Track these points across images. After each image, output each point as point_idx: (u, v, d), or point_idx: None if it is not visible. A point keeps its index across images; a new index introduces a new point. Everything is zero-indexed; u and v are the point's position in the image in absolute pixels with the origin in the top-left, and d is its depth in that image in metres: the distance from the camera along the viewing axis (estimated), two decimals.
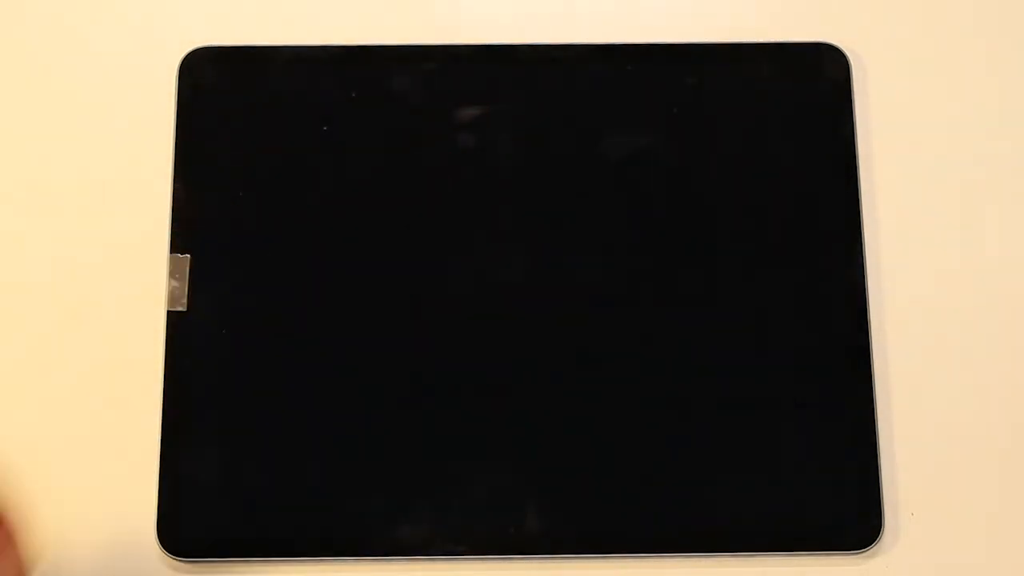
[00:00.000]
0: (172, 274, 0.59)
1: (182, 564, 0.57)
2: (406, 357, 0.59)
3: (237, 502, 0.57)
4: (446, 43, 0.62)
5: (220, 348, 0.59)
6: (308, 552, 0.57)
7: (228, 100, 0.61)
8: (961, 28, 0.63)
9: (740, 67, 0.62)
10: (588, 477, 0.58)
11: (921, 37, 0.63)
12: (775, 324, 0.59)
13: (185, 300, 0.59)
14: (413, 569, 0.57)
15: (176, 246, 0.60)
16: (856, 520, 0.57)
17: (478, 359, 0.59)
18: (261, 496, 0.57)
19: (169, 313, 0.59)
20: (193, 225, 0.60)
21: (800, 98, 0.61)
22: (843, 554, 0.57)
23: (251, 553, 0.57)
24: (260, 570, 0.57)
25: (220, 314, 0.59)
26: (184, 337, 0.59)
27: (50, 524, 0.55)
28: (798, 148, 0.61)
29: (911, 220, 0.61)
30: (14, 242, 0.60)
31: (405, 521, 0.57)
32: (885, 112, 0.62)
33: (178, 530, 0.57)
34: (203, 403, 0.58)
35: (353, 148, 0.61)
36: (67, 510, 0.57)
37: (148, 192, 0.61)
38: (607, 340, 0.59)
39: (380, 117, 0.61)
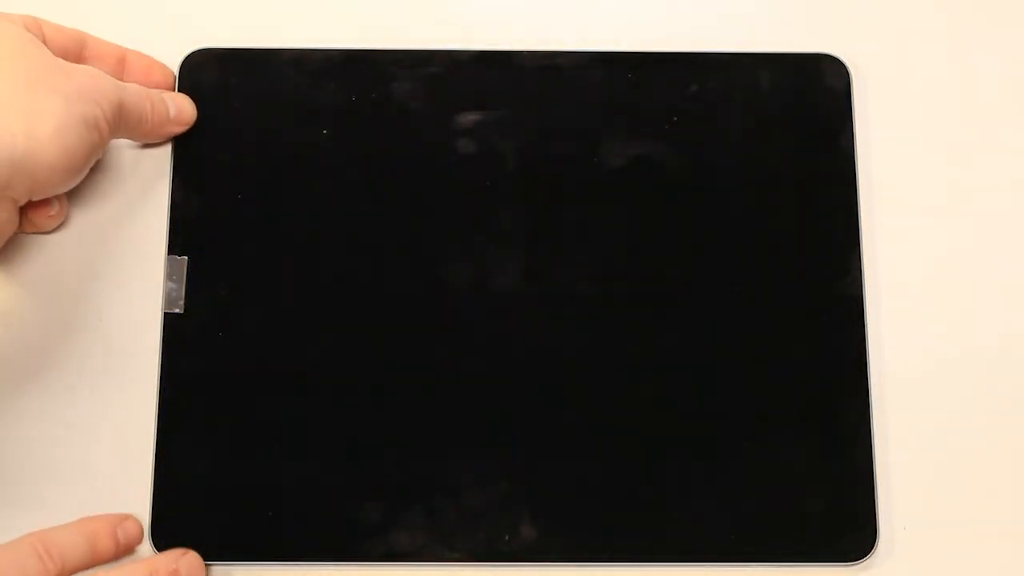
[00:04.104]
0: (169, 276, 0.59)
1: None
2: (402, 362, 0.59)
3: (231, 505, 0.57)
4: (447, 48, 0.62)
5: (216, 351, 0.59)
6: (302, 556, 0.57)
7: (228, 102, 0.61)
8: (961, 40, 0.63)
9: (741, 77, 0.62)
10: (584, 486, 0.57)
11: (921, 49, 0.63)
12: (772, 336, 0.59)
13: (182, 302, 0.59)
14: (408, 574, 0.57)
15: (174, 248, 0.60)
16: (852, 532, 0.57)
17: (475, 365, 0.59)
18: (255, 500, 0.57)
19: (166, 315, 0.59)
20: (191, 227, 0.60)
21: (800, 108, 0.61)
22: (838, 566, 0.57)
23: (244, 556, 0.57)
24: (252, 573, 0.57)
25: (217, 317, 0.59)
26: (181, 339, 0.59)
27: (45, 525, 0.55)
28: (798, 158, 0.61)
29: (910, 232, 0.61)
30: (14, 241, 0.60)
31: (400, 526, 0.57)
32: (885, 123, 0.62)
33: (172, 532, 0.57)
34: (198, 406, 0.58)
35: (353, 152, 0.61)
36: (63, 511, 0.57)
37: (146, 194, 0.61)
38: (604, 349, 0.59)
39: (380, 121, 0.61)
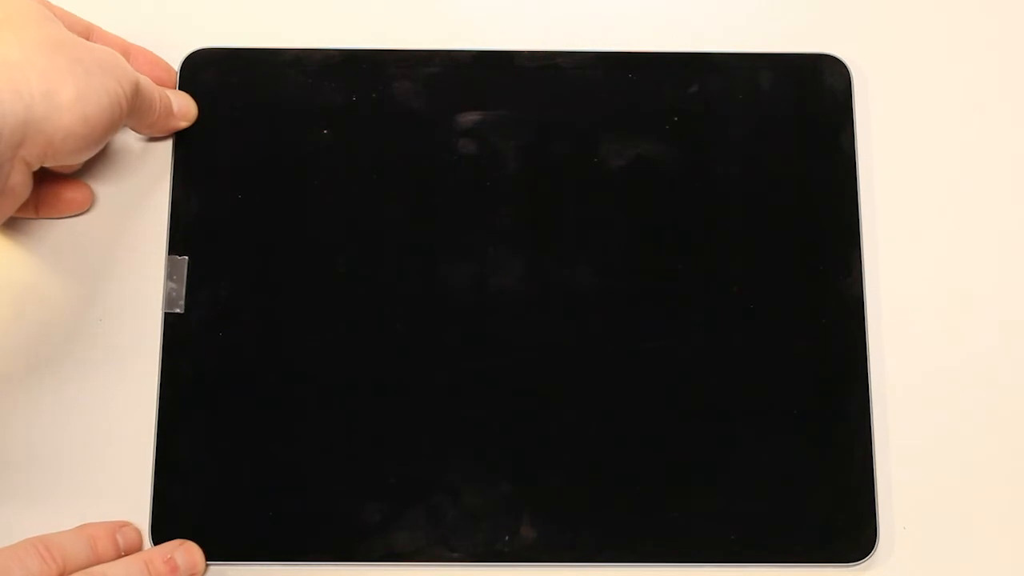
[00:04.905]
0: (170, 276, 0.59)
1: None
2: (402, 363, 0.59)
3: (231, 505, 0.57)
4: (447, 48, 0.62)
5: (217, 351, 0.59)
6: (302, 556, 0.57)
7: (228, 102, 0.61)
8: (962, 40, 0.63)
9: (741, 77, 0.62)
10: (583, 487, 0.57)
11: (922, 49, 0.63)
12: (772, 336, 0.59)
13: (183, 302, 0.59)
14: (407, 575, 0.57)
15: (174, 248, 0.60)
16: (852, 532, 0.57)
17: (475, 365, 0.58)
18: (255, 500, 0.57)
19: (166, 315, 0.59)
20: (192, 227, 0.60)
21: (801, 108, 0.61)
22: (838, 566, 0.57)
23: (244, 556, 0.57)
24: (252, 573, 0.57)
25: (217, 317, 0.59)
26: (181, 339, 0.59)
27: (45, 525, 0.55)
28: (798, 158, 0.61)
29: (910, 232, 0.61)
30: (15, 241, 0.60)
31: (400, 527, 0.57)
32: (885, 123, 0.62)
33: (172, 532, 0.57)
34: (198, 406, 0.58)
35: (353, 152, 0.61)
36: (63, 511, 0.57)
37: (147, 194, 0.61)
38: (604, 349, 0.59)
39: (381, 121, 0.61)
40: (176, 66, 0.62)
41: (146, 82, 0.57)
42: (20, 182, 0.53)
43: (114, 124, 0.55)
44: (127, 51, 0.60)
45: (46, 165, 0.54)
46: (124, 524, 0.57)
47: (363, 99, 0.61)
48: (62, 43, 0.53)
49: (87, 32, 0.59)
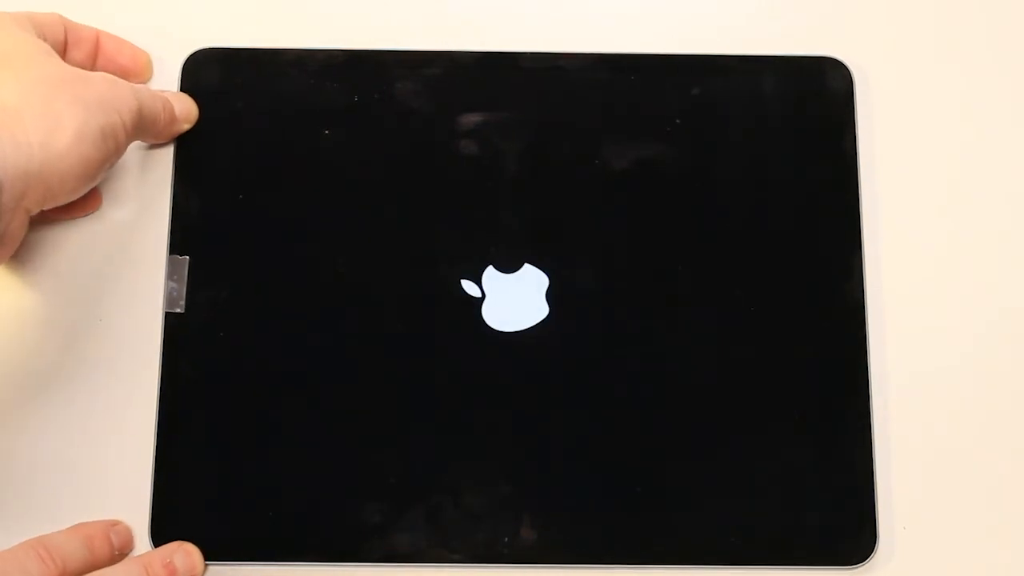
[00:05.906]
0: (170, 276, 0.59)
1: None
2: (403, 365, 0.58)
3: (230, 505, 0.57)
4: (450, 49, 0.62)
5: (217, 351, 0.59)
6: (302, 556, 0.57)
7: (230, 102, 0.61)
8: (963, 43, 0.63)
9: (744, 79, 0.62)
10: (583, 489, 0.57)
11: (924, 52, 0.63)
12: (774, 339, 0.59)
13: (183, 302, 0.59)
14: None
15: (175, 248, 0.60)
16: (852, 535, 0.57)
17: (475, 367, 0.58)
18: (255, 500, 0.57)
19: (167, 315, 0.59)
20: (192, 227, 0.60)
21: (803, 111, 0.61)
22: (839, 569, 0.57)
23: (244, 557, 0.57)
24: (252, 573, 0.57)
25: (218, 316, 0.59)
26: (181, 339, 0.59)
27: (45, 525, 0.55)
28: (800, 161, 0.61)
29: (912, 235, 0.61)
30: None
31: (400, 528, 0.57)
32: (887, 126, 0.62)
33: (172, 532, 0.57)
34: (199, 406, 0.58)
35: (354, 152, 0.61)
36: (63, 511, 0.57)
37: (148, 194, 0.61)
38: (605, 351, 0.59)
39: (382, 122, 0.61)
40: (178, 66, 0.62)
41: (148, 98, 0.57)
42: (19, 227, 0.53)
43: (111, 158, 0.55)
44: (98, 41, 0.60)
45: (45, 208, 0.54)
46: (116, 523, 0.57)
47: (365, 100, 0.61)
48: (60, 81, 0.53)
49: (63, 30, 0.58)
